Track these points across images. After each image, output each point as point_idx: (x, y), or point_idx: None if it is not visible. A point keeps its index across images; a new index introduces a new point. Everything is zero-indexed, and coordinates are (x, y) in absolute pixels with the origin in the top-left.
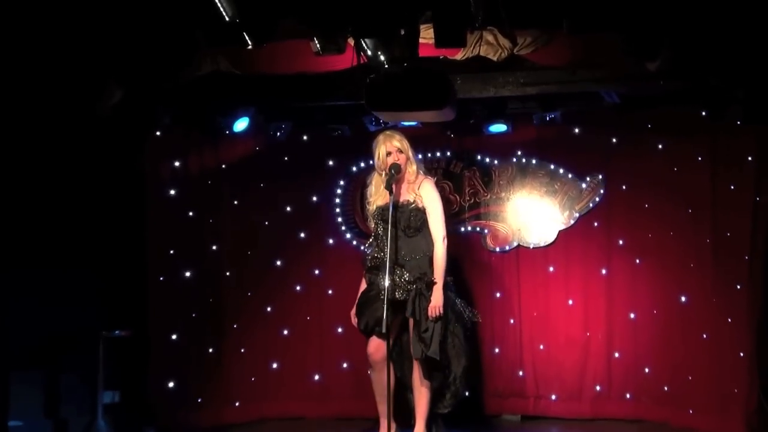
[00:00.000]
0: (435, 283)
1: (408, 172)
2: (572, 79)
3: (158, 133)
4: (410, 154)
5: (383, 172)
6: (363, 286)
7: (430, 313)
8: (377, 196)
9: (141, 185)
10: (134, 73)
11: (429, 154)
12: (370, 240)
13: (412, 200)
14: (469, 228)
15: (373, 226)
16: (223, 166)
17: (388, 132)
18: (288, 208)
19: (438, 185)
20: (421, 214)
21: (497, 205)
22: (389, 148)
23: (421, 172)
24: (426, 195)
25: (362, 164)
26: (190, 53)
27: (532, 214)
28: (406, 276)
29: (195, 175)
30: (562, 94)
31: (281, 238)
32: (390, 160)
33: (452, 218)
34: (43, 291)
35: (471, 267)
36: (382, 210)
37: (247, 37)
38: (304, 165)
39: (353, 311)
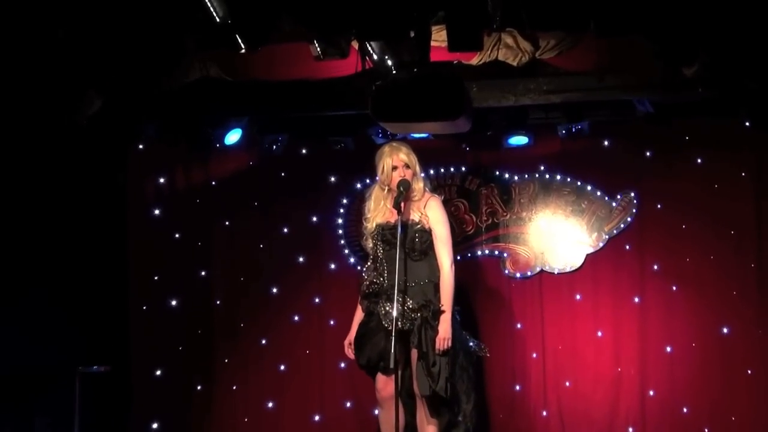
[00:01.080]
0: (443, 312)
1: (414, 190)
2: (601, 86)
3: (141, 146)
4: (417, 169)
5: (386, 187)
6: (358, 315)
7: (438, 346)
8: (377, 212)
9: (122, 204)
10: (115, 80)
11: (442, 170)
12: (368, 264)
13: (417, 220)
14: (487, 251)
15: (370, 246)
16: (213, 182)
17: (394, 144)
18: (285, 230)
19: (451, 204)
20: (427, 235)
21: (518, 225)
22: (396, 161)
23: (427, 189)
24: (433, 215)
25: (367, 180)
26: (177, 58)
27: (557, 236)
28: (410, 303)
29: (182, 193)
30: (590, 103)
31: (278, 262)
32: (396, 175)
33: (468, 241)
34: (12, 322)
35: (489, 295)
36: (383, 229)
37: (239, 41)
38: (303, 181)
39: (347, 341)
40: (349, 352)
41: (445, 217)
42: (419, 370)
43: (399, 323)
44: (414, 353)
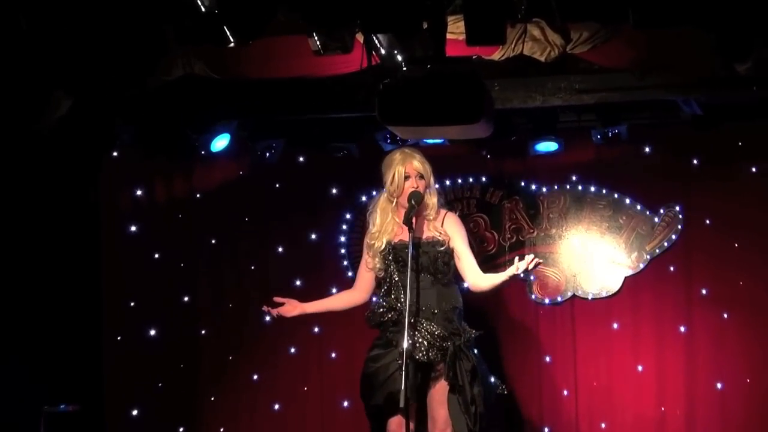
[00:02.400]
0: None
1: (427, 205)
2: (641, 84)
3: (116, 154)
4: (432, 181)
5: (394, 199)
6: (336, 299)
7: (529, 264)
8: (385, 228)
9: (94, 220)
10: (86, 79)
11: (459, 181)
12: (382, 287)
13: (439, 239)
14: None
15: (378, 266)
16: (198, 195)
17: (407, 150)
18: (280, 249)
19: (470, 220)
20: (449, 256)
21: (546, 244)
22: (409, 170)
23: (441, 204)
24: (454, 231)
25: (374, 193)
26: (157, 54)
27: (591, 256)
28: (438, 331)
29: (162, 207)
30: (629, 104)
31: (272, 286)
32: (408, 186)
33: (489, 261)
34: None
35: (513, 324)
36: (395, 248)
37: (228, 33)
38: (301, 194)
39: (290, 303)
40: (282, 309)
41: (465, 231)
42: (453, 407)
43: (419, 355)
44: (438, 387)
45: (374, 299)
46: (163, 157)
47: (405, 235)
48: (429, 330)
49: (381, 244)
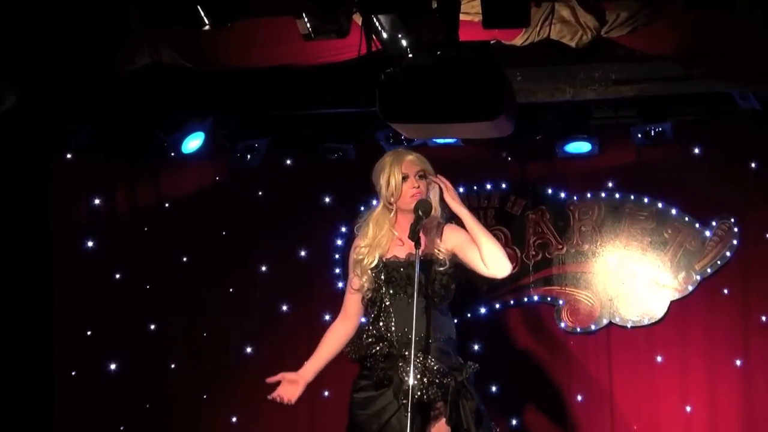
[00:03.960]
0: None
1: (433, 217)
2: (689, 74)
3: (70, 156)
4: (437, 189)
5: (392, 207)
6: (324, 352)
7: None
8: (378, 241)
9: (45, 233)
10: (35, 68)
11: (475, 187)
12: (371, 312)
13: (437, 256)
14: (536, 297)
15: (365, 286)
16: (167, 204)
17: (399, 149)
18: (263, 268)
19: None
20: (449, 278)
21: (578, 262)
22: (406, 168)
23: (444, 212)
24: (456, 240)
25: (374, 202)
26: (118, 39)
27: (631, 276)
28: (435, 366)
29: (124, 219)
30: (675, 97)
31: (253, 312)
32: (408, 187)
33: (510, 283)
34: None
35: (538, 356)
36: (387, 266)
37: (202, 14)
38: (288, 203)
39: (288, 376)
40: (285, 391)
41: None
42: None
43: (424, 392)
44: (439, 430)
45: (360, 326)
46: (126, 160)
47: (400, 251)
48: (426, 364)
49: (372, 260)
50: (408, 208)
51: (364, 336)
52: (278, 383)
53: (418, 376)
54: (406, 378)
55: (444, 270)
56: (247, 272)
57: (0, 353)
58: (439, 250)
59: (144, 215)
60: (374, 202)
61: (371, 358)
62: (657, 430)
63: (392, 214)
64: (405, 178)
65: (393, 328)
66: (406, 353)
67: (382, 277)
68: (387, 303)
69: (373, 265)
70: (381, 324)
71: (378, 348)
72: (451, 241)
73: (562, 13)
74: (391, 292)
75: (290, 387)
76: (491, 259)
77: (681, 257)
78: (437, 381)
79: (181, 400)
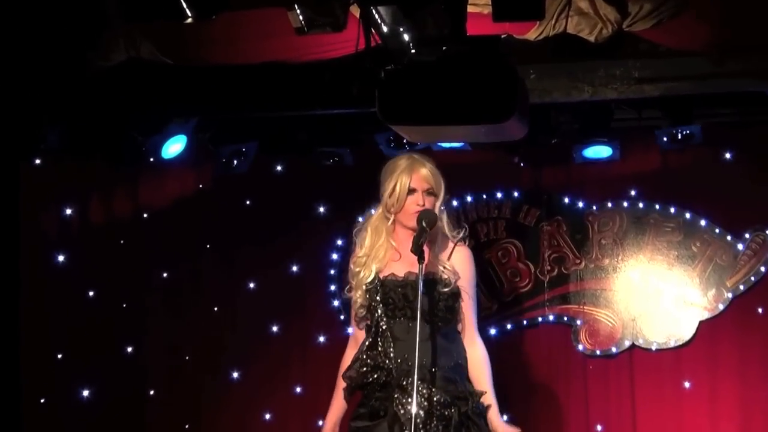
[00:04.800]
0: (489, 405)
1: (437, 230)
2: (719, 71)
3: (39, 162)
4: (441, 200)
5: (391, 217)
6: (338, 404)
7: None
8: (375, 252)
9: (11, 246)
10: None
11: (484, 196)
12: (366, 337)
13: (443, 276)
14: (551, 317)
15: (359, 302)
16: (145, 215)
17: (416, 156)
18: (251, 285)
19: (498, 247)
20: (455, 299)
21: (597, 279)
22: (415, 182)
23: (452, 231)
24: (464, 269)
25: (373, 212)
26: (94, 32)
27: (655, 294)
28: (436, 397)
29: (98, 230)
30: (704, 97)
31: (240, 334)
32: (411, 202)
33: (522, 302)
34: None
35: (553, 382)
36: (384, 285)
37: (184, 6)
38: (279, 213)
39: None
40: None
41: (475, 276)
42: None
43: (423, 426)
44: None
45: (356, 353)
46: (101, 166)
47: (398, 267)
48: (426, 395)
49: (369, 273)
50: (407, 224)
51: (358, 364)
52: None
53: (416, 409)
54: (401, 410)
55: (449, 291)
56: (233, 289)
57: None
58: (444, 267)
59: (120, 226)
60: (372, 212)
61: (368, 387)
62: None
63: (390, 223)
64: (412, 191)
65: (392, 355)
66: (405, 383)
67: (378, 297)
68: (384, 327)
69: (368, 280)
70: (379, 350)
71: (374, 377)
72: (459, 265)
73: (580, 4)
74: (389, 314)
75: None
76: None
77: (711, 273)
78: (437, 413)
79: (161, 430)
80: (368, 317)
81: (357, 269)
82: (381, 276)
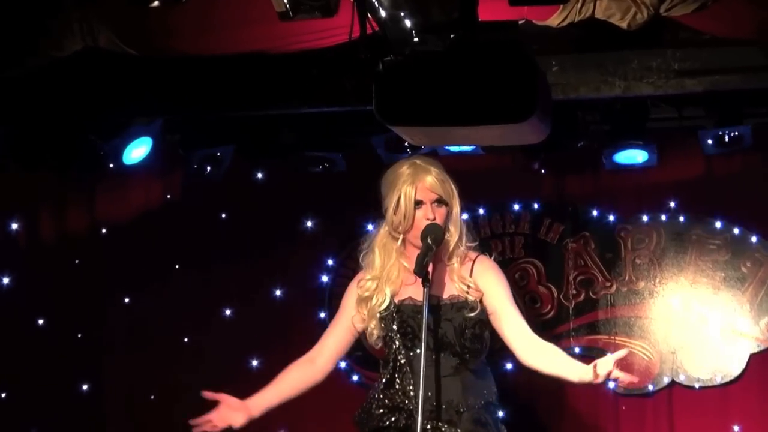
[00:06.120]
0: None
1: (450, 245)
2: None
3: None
4: (457, 208)
5: (399, 236)
6: (283, 382)
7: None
8: (388, 274)
9: None
10: None
11: (499, 209)
12: (383, 373)
13: (467, 297)
14: (577, 349)
15: (375, 335)
16: (104, 230)
17: (419, 161)
18: (227, 312)
19: (515, 267)
20: (483, 325)
21: (631, 305)
22: (421, 191)
23: (469, 243)
24: (491, 281)
25: (369, 227)
26: (43, 17)
27: (699, 322)
28: None
29: (49, 248)
30: (755, 93)
31: (214, 367)
32: (421, 216)
33: (543, 331)
34: None
35: (580, 424)
36: (401, 310)
37: None
38: (259, 228)
39: (229, 406)
40: (221, 417)
41: (506, 280)
42: None
43: None
44: None
45: (370, 392)
46: (52, 174)
47: (416, 291)
48: None
49: (383, 299)
50: (419, 243)
51: (374, 406)
52: (214, 405)
53: None
54: None
55: (476, 315)
56: (206, 317)
57: None
58: (467, 287)
59: (75, 244)
60: (369, 227)
61: (381, 431)
62: None
63: (400, 243)
64: (419, 204)
65: (411, 394)
66: (429, 426)
67: (394, 326)
68: (402, 361)
69: (383, 306)
70: (397, 388)
71: (392, 420)
72: (482, 282)
73: None
74: (408, 345)
75: (229, 413)
76: (529, 362)
77: (764, 298)
78: None
79: None
80: (386, 351)
81: (366, 294)
82: (396, 301)
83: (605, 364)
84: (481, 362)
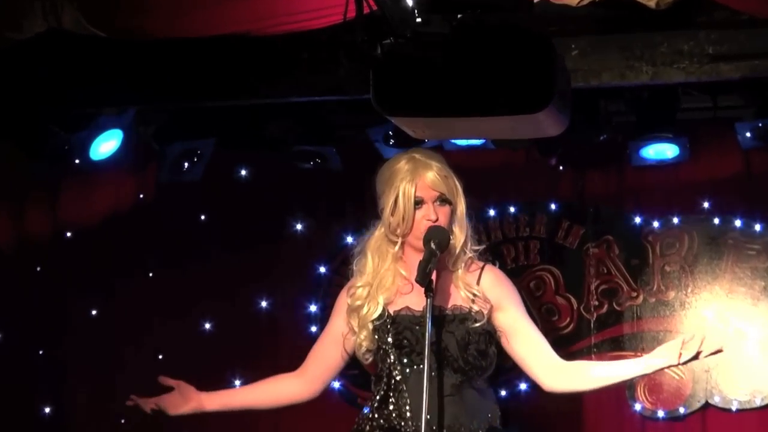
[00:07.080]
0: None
1: (456, 246)
2: None
3: None
4: (462, 207)
5: (398, 239)
6: (262, 386)
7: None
8: (381, 281)
9: None
10: None
11: (512, 209)
12: (376, 390)
13: (471, 308)
14: None
15: (364, 347)
16: (69, 234)
17: (418, 155)
18: (206, 326)
19: (530, 276)
20: (489, 339)
21: (660, 317)
22: (421, 189)
23: (474, 248)
24: (502, 293)
25: (369, 233)
26: None
27: (737, 337)
28: None
29: (7, 255)
30: None
31: (195, 386)
32: (421, 218)
33: (563, 346)
34: None
35: None
36: (396, 321)
37: None
38: (242, 231)
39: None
40: (170, 402)
41: (520, 295)
42: None
43: None
44: None
45: (364, 410)
46: (10, 170)
47: (414, 301)
48: None
49: (375, 307)
50: (420, 246)
51: (368, 427)
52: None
53: None
54: None
55: (481, 327)
56: (183, 331)
57: None
58: (472, 296)
59: (36, 249)
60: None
61: None
62: None
63: (397, 247)
64: (419, 203)
65: (408, 415)
66: None
67: (389, 339)
68: (398, 378)
69: (375, 316)
70: (391, 408)
71: None
72: (491, 293)
73: None
74: (404, 361)
75: (175, 398)
76: (556, 388)
77: None
78: None
79: None
80: (379, 366)
81: (357, 303)
82: (391, 311)
83: (680, 346)
84: (484, 381)
